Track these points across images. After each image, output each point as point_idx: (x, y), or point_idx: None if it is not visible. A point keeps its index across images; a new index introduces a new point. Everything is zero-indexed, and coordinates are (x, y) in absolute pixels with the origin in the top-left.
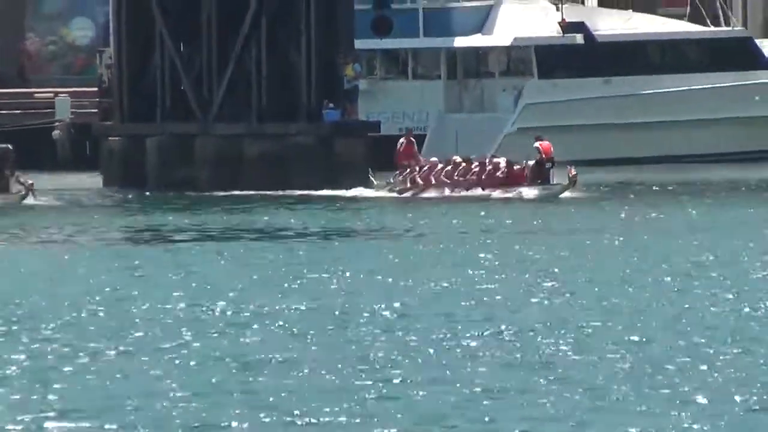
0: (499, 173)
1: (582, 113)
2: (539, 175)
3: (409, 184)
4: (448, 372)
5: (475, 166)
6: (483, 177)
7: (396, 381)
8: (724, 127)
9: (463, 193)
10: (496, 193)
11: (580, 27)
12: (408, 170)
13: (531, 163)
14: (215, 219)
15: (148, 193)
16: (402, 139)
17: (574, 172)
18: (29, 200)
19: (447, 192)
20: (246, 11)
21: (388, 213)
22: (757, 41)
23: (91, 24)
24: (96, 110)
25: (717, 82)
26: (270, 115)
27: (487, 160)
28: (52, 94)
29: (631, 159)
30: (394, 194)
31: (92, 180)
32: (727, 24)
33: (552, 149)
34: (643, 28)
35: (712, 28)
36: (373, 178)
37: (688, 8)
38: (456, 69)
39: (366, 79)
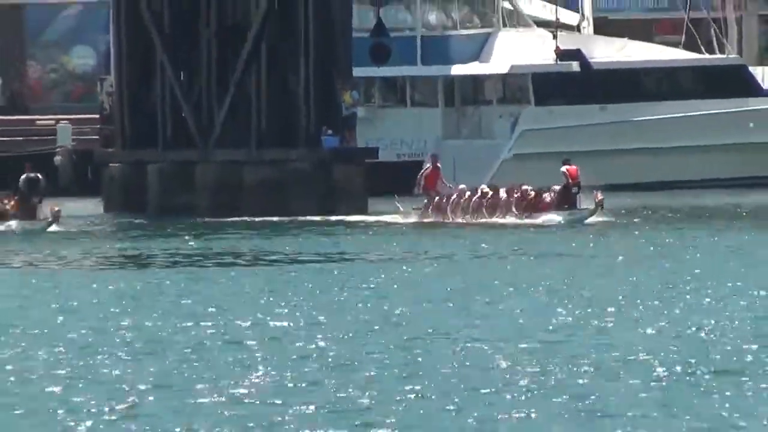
0: (526, 200)
1: (578, 140)
2: (566, 200)
3: (438, 212)
4: (459, 396)
5: (503, 194)
6: (512, 204)
7: (408, 405)
8: (719, 154)
9: (491, 219)
10: (525, 220)
11: (576, 55)
12: (436, 198)
13: (557, 187)
14: (220, 244)
15: (145, 221)
16: (427, 164)
17: (600, 196)
18: (54, 227)
19: (477, 219)
20: (245, 38)
21: (420, 237)
22: (752, 69)
23: (92, 52)
24: (97, 137)
25: (712, 109)
26: (269, 141)
27: (516, 189)
28: (53, 121)
29: (627, 185)
30: (418, 218)
31: (94, 206)
32: (722, 52)
33: (579, 173)
34: (639, 56)
35: (707, 56)
36: (399, 205)
37: (684, 36)
38: (453, 96)
39: (364, 106)
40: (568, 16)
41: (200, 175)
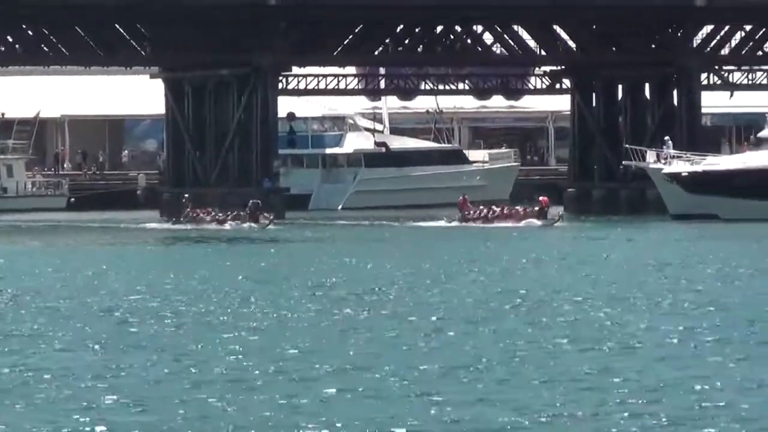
0: (520, 212)
1: (384, 183)
2: (541, 215)
3: (469, 220)
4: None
5: (506, 210)
6: (511, 214)
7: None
8: (449, 190)
9: (501, 224)
10: (520, 224)
11: (384, 144)
12: (467, 212)
13: (536, 208)
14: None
15: (182, 222)
16: (461, 197)
17: (560, 212)
18: (270, 227)
19: (491, 224)
20: (227, 135)
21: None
22: (465, 151)
23: (155, 142)
24: (157, 181)
25: (446, 170)
26: (238, 184)
27: (513, 208)
28: (136, 173)
29: (403, 206)
30: (458, 224)
31: (155, 215)
32: (451, 143)
33: (548, 201)
34: (411, 144)
35: (444, 145)
36: (446, 219)
37: (432, 136)
38: (326, 163)
39: (283, 167)
40: (378, 126)
41: (206, 198)
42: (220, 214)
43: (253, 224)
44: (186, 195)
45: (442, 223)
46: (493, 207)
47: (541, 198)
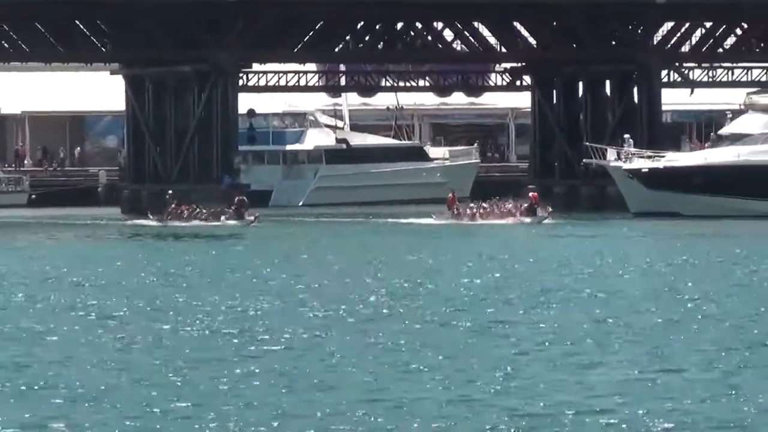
0: (510, 209)
1: (344, 180)
2: (531, 211)
3: (458, 217)
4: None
5: (494, 206)
6: (500, 211)
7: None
8: (410, 187)
9: (490, 221)
10: (510, 221)
11: (344, 140)
12: (455, 210)
13: (526, 205)
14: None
15: (144, 220)
16: (450, 194)
17: (550, 209)
18: (255, 224)
19: (479, 221)
20: (187, 133)
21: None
22: (426, 148)
23: (115, 138)
24: (117, 178)
25: (407, 166)
26: (199, 180)
27: (503, 204)
28: (97, 170)
29: (365, 203)
30: (446, 221)
31: (116, 211)
32: (410, 140)
33: (538, 197)
34: (372, 141)
35: (404, 141)
36: (434, 215)
37: (393, 132)
38: (287, 160)
39: (244, 164)
40: (339, 123)
41: (167, 195)
42: (204, 211)
43: (237, 221)
44: (170, 191)
45: (430, 220)
46: (483, 204)
47: (530, 194)
